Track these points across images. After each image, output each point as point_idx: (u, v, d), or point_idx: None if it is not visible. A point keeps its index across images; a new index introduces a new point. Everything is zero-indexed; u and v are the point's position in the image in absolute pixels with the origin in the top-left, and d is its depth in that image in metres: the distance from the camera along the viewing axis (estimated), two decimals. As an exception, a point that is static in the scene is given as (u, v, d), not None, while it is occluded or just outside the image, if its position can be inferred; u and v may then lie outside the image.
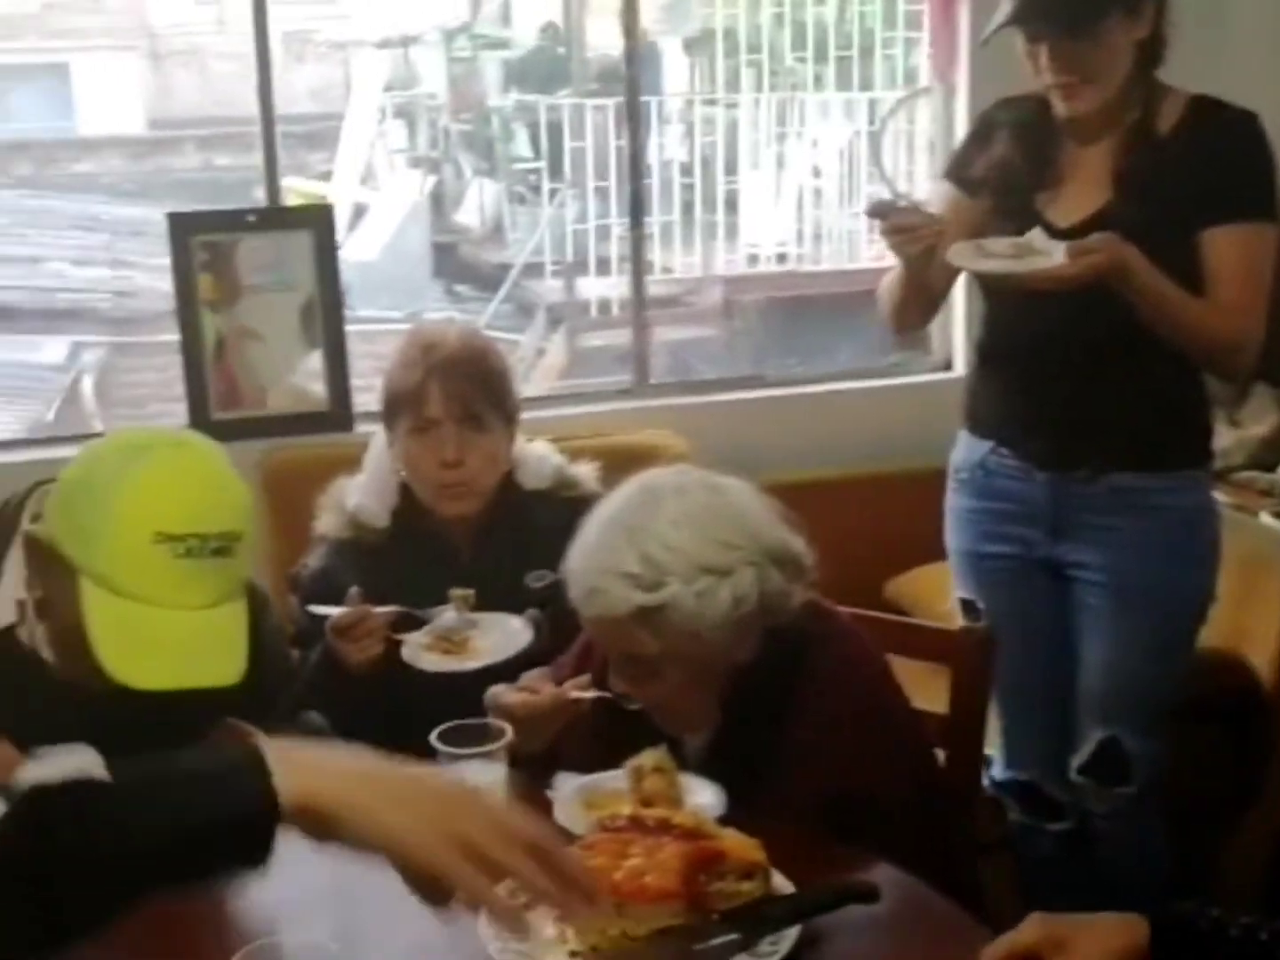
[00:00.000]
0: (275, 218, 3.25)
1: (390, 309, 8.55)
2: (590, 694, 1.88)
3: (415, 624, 2.26)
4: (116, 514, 1.64)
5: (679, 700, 1.86)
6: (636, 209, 3.59)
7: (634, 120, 3.53)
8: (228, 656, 1.67)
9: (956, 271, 2.47)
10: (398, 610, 2.24)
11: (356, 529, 2.41)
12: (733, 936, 1.50)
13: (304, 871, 1.71)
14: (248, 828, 1.14)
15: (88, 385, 7.96)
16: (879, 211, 2.41)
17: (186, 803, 1.15)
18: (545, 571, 2.28)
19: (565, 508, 2.36)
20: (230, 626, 1.70)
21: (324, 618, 2.21)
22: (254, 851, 1.15)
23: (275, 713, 1.98)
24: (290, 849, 1.75)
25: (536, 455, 2.48)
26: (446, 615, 2.24)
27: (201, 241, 3.19)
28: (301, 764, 1.17)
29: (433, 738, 1.74)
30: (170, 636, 1.64)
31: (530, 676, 1.94)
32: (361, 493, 2.44)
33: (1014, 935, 1.35)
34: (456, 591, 2.28)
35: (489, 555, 2.39)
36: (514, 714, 1.87)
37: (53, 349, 8.30)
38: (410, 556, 2.38)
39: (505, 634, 2.22)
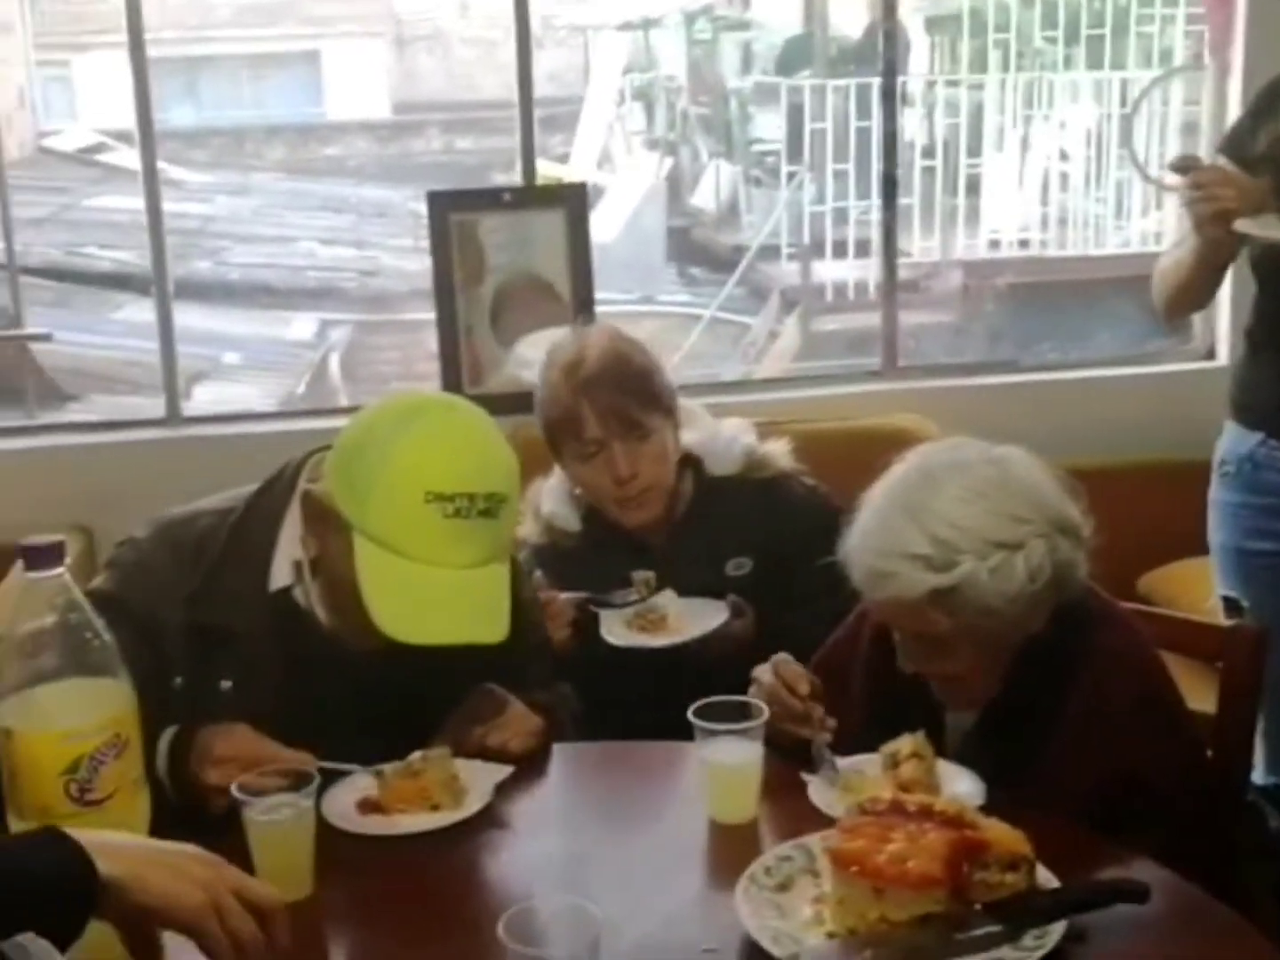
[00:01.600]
0: (530, 196, 3.30)
1: (625, 292, 8.63)
2: (828, 729, 1.85)
3: (604, 609, 2.31)
4: (390, 473, 1.69)
5: (970, 675, 1.83)
6: (889, 190, 3.54)
7: (889, 101, 3.48)
8: (492, 615, 1.71)
9: (1237, 251, 2.37)
10: (586, 595, 2.30)
11: (551, 534, 2.45)
12: (996, 928, 1.46)
13: (560, 838, 1.77)
14: (68, 888, 1.17)
15: (334, 362, 8.23)
16: (1184, 166, 2.32)
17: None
18: (744, 559, 2.28)
19: (757, 491, 2.36)
20: (495, 586, 1.73)
21: None
22: (71, 915, 1.17)
23: (529, 680, 2.02)
24: (545, 814, 1.81)
25: (726, 438, 2.45)
26: (660, 594, 2.30)
27: (454, 221, 3.26)
28: (98, 843, 1.21)
29: (690, 714, 1.75)
30: (438, 593, 1.68)
31: (785, 662, 1.91)
32: (554, 498, 2.46)
33: None
34: (638, 575, 2.33)
35: (682, 549, 2.39)
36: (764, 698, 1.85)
37: (302, 326, 8.60)
38: (605, 558, 2.40)
39: (700, 613, 2.27)
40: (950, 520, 1.76)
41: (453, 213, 3.23)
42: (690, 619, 2.27)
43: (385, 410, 1.78)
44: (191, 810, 1.68)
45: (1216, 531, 2.54)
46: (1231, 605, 2.48)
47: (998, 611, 1.76)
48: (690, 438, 2.44)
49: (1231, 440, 2.49)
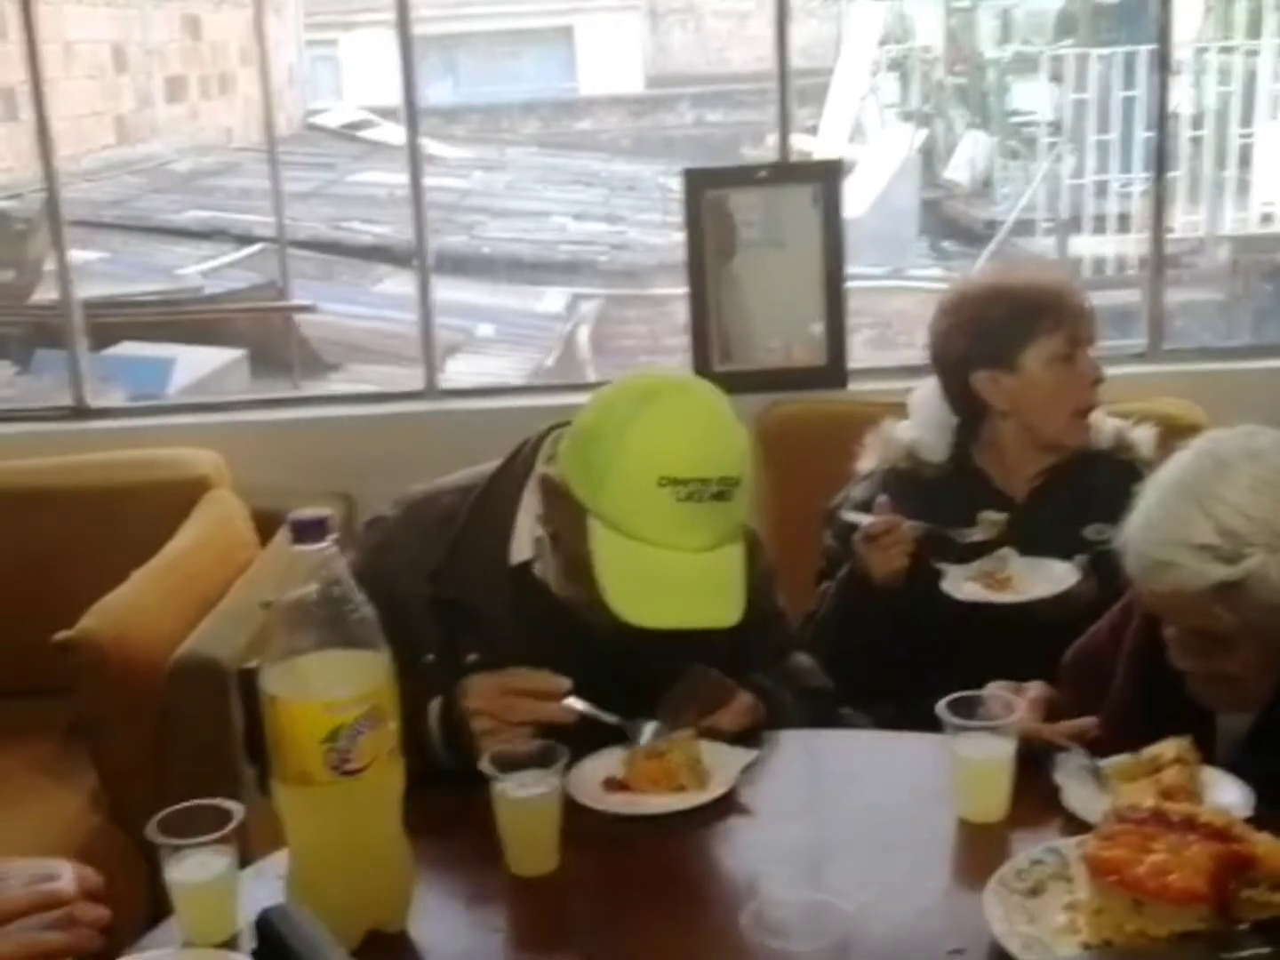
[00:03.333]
0: (785, 173, 3.27)
1: (875, 265, 8.52)
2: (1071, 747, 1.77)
3: (945, 544, 2.30)
4: (624, 458, 1.69)
5: (1245, 676, 1.74)
6: (1161, 163, 3.39)
7: (1163, 69, 3.32)
8: (726, 598, 1.71)
9: None
10: (929, 527, 2.29)
11: (913, 461, 2.46)
12: (1264, 950, 1.39)
13: (805, 827, 1.75)
14: None
15: (583, 335, 8.34)
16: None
17: None
18: (1104, 526, 2.22)
19: (1124, 469, 2.33)
20: (728, 569, 1.73)
21: (853, 531, 2.29)
22: None
23: (756, 653, 2.00)
24: (790, 802, 1.80)
25: (1096, 417, 2.46)
26: (999, 553, 2.28)
27: (709, 198, 3.26)
28: None
29: (939, 708, 1.71)
30: (672, 577, 1.68)
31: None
32: (922, 427, 2.48)
33: None
34: (988, 515, 2.32)
35: (1045, 506, 2.38)
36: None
37: (553, 299, 8.74)
38: (963, 499, 2.38)
39: (1049, 575, 2.24)
40: (1241, 510, 1.67)
41: (708, 189, 3.22)
42: (1037, 578, 2.25)
43: (619, 393, 1.78)
44: (467, 774, 1.71)
45: None
46: None
47: None
48: None
49: None
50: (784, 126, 3.29)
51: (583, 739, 1.77)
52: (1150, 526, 1.73)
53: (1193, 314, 7.63)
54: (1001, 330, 2.38)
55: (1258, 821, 1.53)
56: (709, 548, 1.71)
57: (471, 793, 1.66)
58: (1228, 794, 1.66)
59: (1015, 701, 1.74)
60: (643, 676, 1.85)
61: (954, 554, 2.31)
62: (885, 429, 2.50)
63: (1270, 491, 1.68)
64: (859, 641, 2.24)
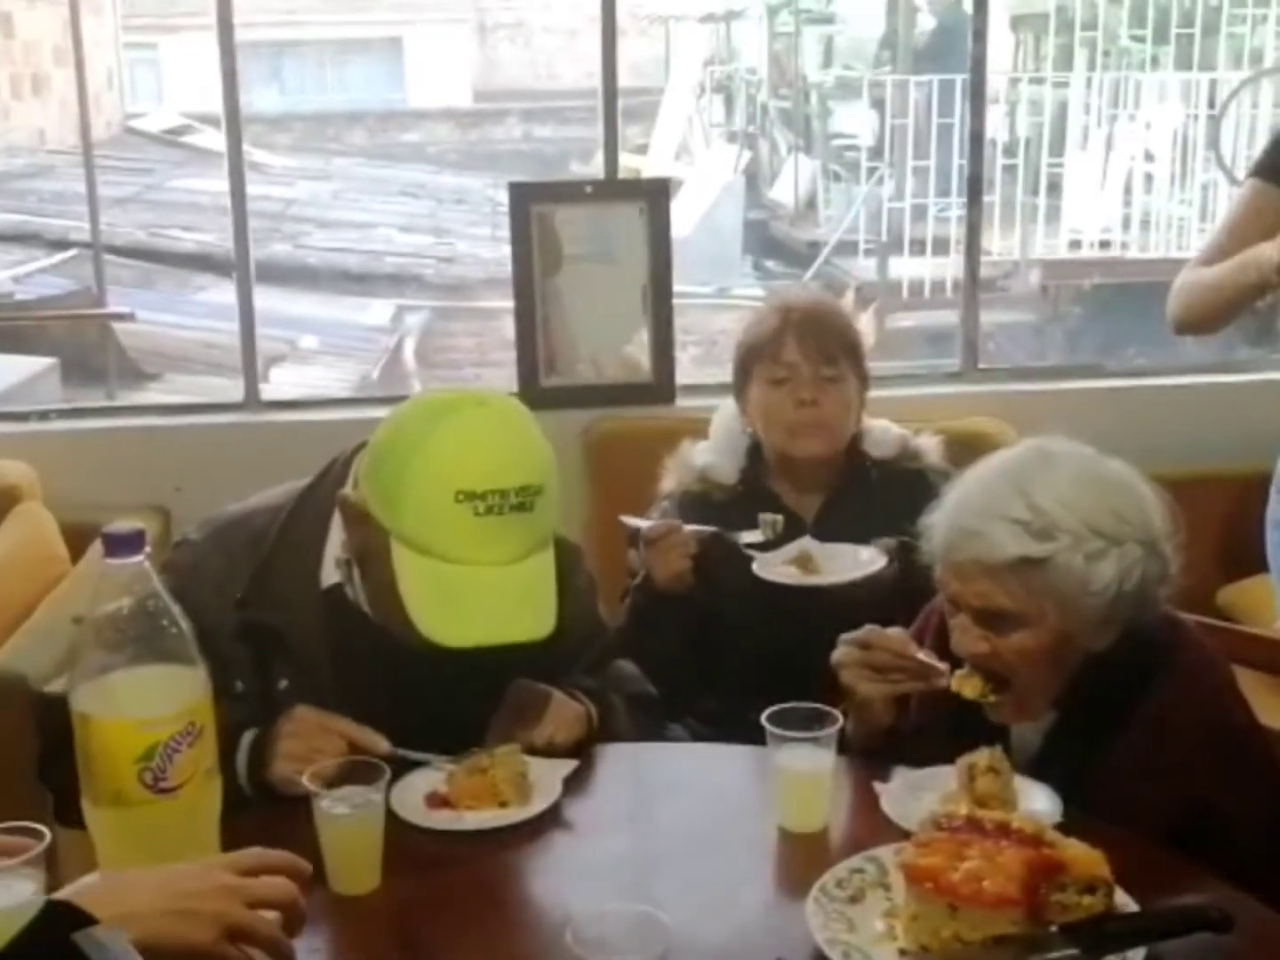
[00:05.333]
0: (613, 190, 3.29)
1: (701, 284, 8.61)
2: (941, 667, 1.81)
3: (725, 545, 2.38)
4: (419, 476, 1.67)
5: (1024, 672, 1.78)
6: (974, 189, 3.49)
7: (977, 98, 3.43)
8: (536, 610, 1.69)
9: None
10: (711, 530, 2.36)
11: (704, 484, 2.51)
12: (1072, 951, 1.42)
13: (627, 841, 1.75)
14: None
15: (409, 348, 8.27)
16: None
17: None
18: (890, 539, 2.29)
19: (909, 478, 2.39)
20: (536, 580, 1.71)
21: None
22: None
23: (581, 664, 2.01)
24: (613, 816, 1.80)
25: (880, 427, 2.54)
26: (798, 542, 2.37)
27: (535, 212, 3.26)
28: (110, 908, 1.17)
29: (763, 719, 1.73)
30: (478, 593, 1.66)
31: (893, 630, 1.88)
32: (711, 452, 2.53)
33: None
34: (765, 516, 2.41)
35: (833, 519, 2.44)
36: (860, 640, 1.83)
37: (379, 311, 8.65)
38: (754, 519, 2.41)
39: (853, 559, 2.33)
40: (1059, 497, 1.73)
41: (534, 204, 3.22)
42: (843, 562, 2.33)
43: (412, 411, 1.76)
44: (267, 804, 1.68)
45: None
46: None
47: (1076, 603, 1.72)
48: None
49: None
50: (611, 143, 3.31)
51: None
52: (963, 501, 1.78)
53: (1006, 335, 7.87)
54: (746, 353, 2.50)
55: (1066, 828, 1.57)
56: (515, 560, 1.69)
57: (290, 810, 1.63)
58: (1038, 801, 1.71)
59: (835, 712, 1.76)
60: (464, 698, 1.83)
61: (736, 557, 2.37)
62: (682, 451, 2.56)
63: (1088, 487, 1.74)
64: (657, 650, 2.26)
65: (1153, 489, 1.80)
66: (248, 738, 1.77)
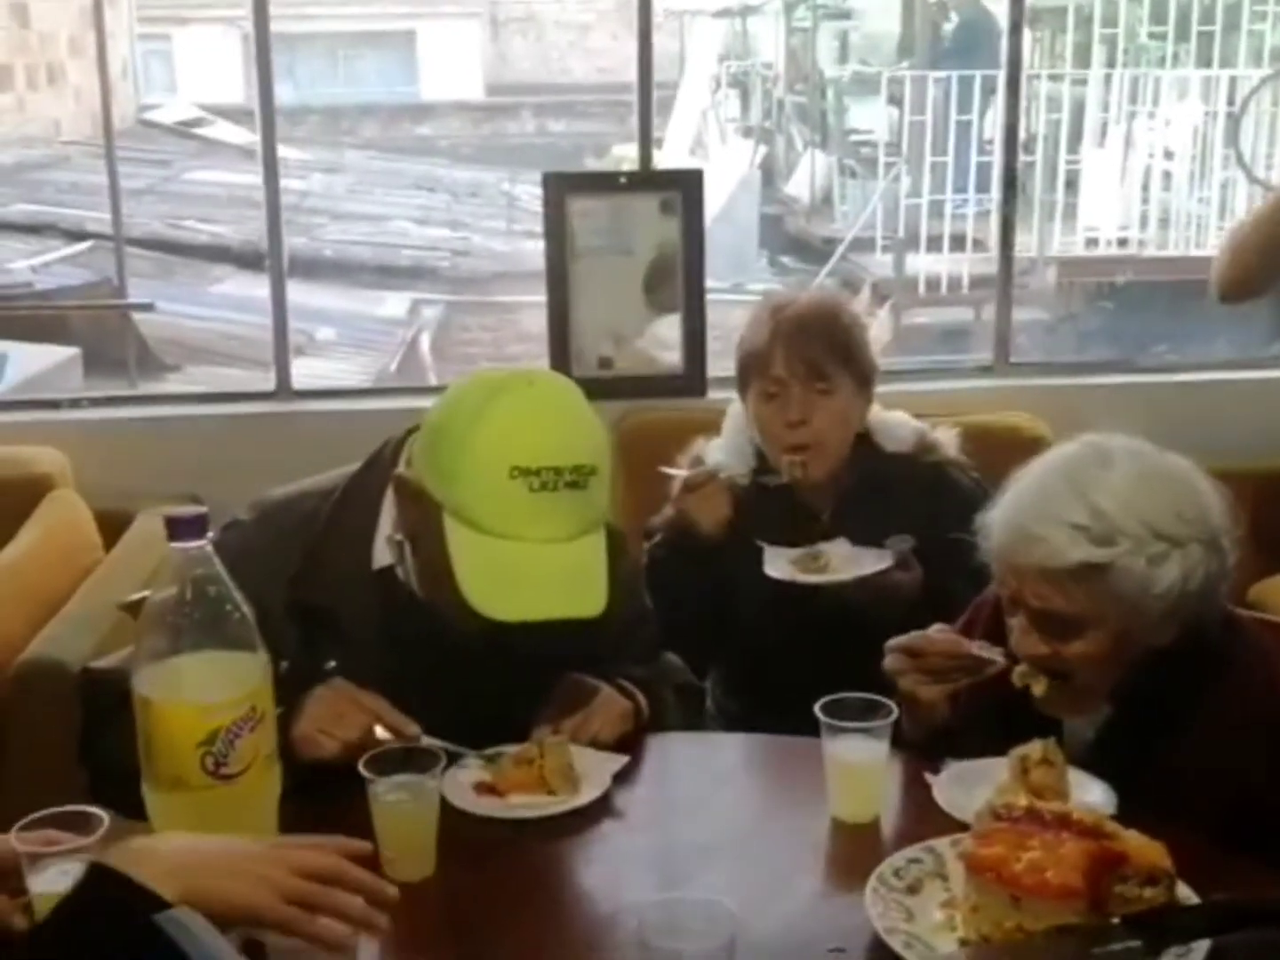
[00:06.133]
0: (646, 180, 3.28)
1: (717, 279, 8.60)
2: (997, 657, 1.80)
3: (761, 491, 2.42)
4: (474, 451, 1.67)
5: (1085, 672, 1.77)
6: (1010, 182, 3.49)
7: (1013, 89, 3.42)
8: (586, 588, 1.69)
9: None
10: (735, 481, 2.41)
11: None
12: (1135, 943, 1.42)
13: (679, 831, 1.75)
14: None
15: (425, 341, 8.26)
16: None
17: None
18: (906, 536, 2.28)
19: (927, 471, 2.38)
20: (587, 559, 1.71)
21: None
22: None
23: (630, 653, 2.01)
24: (664, 806, 1.80)
25: (896, 420, 2.49)
26: (830, 543, 2.37)
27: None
28: (159, 867, 1.17)
29: (817, 709, 1.72)
30: (530, 569, 1.67)
31: (934, 628, 1.88)
32: (722, 451, 2.49)
33: None
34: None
35: (849, 516, 2.41)
36: (910, 648, 1.82)
37: (395, 304, 8.64)
38: (769, 516, 2.40)
39: (860, 560, 2.31)
40: (1118, 498, 1.71)
41: (569, 195, 3.22)
42: (852, 563, 2.31)
43: (469, 388, 1.77)
44: (310, 770, 1.68)
45: None
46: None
47: (1139, 606, 1.71)
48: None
49: None
50: (645, 134, 3.30)
51: None
52: (1024, 502, 1.76)
53: (1026, 332, 7.86)
54: (742, 362, 2.46)
55: (1121, 820, 1.57)
56: (567, 538, 1.69)
57: (347, 798, 1.63)
58: (1093, 793, 1.71)
59: (889, 703, 1.76)
60: (512, 685, 1.83)
61: (768, 503, 2.41)
62: (695, 449, 2.53)
63: (1148, 489, 1.73)
64: (669, 615, 2.22)
65: (1211, 482, 1.78)
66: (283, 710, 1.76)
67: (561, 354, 3.28)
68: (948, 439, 2.49)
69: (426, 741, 1.72)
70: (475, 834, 1.70)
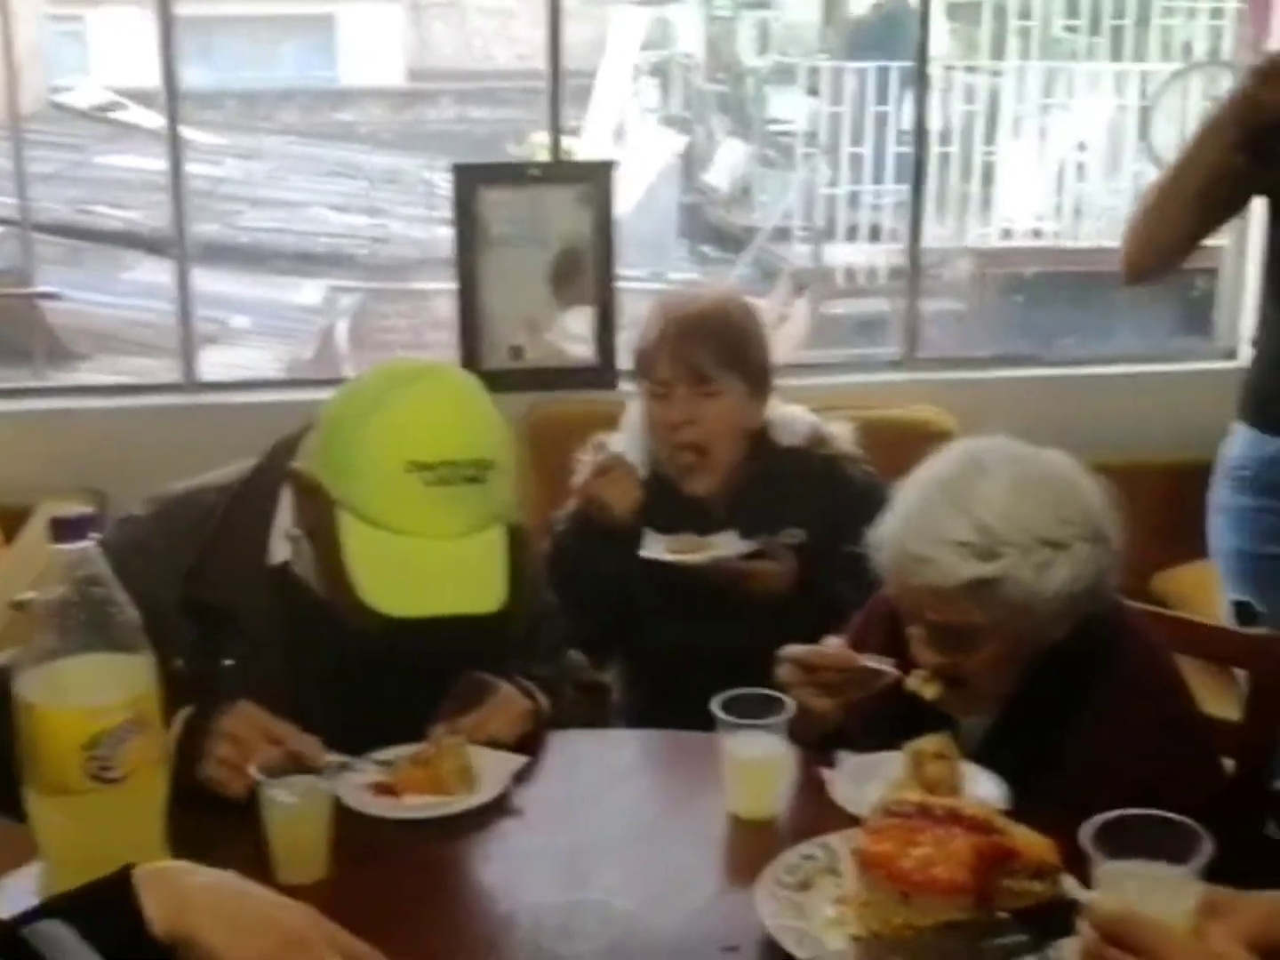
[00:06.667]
0: (557, 172, 3.27)
1: (636, 268, 8.58)
2: (888, 668, 1.82)
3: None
4: (370, 445, 1.66)
5: (982, 676, 1.79)
6: (918, 175, 3.51)
7: (921, 83, 3.44)
8: (483, 585, 1.68)
9: (1230, 191, 2.36)
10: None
11: None
12: (1022, 938, 1.45)
13: (577, 829, 1.75)
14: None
15: (342, 329, 8.19)
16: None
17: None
18: (796, 530, 2.30)
19: (820, 465, 2.38)
20: (485, 555, 1.70)
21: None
22: None
23: (535, 652, 2.00)
24: (562, 805, 1.79)
25: (792, 415, 2.50)
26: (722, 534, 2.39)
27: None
28: (168, 894, 1.14)
29: (714, 706, 1.73)
30: (426, 565, 1.65)
31: (828, 642, 1.90)
32: (624, 445, 2.49)
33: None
34: None
35: (741, 513, 2.41)
36: (804, 661, 1.83)
37: (312, 292, 8.55)
38: (667, 510, 2.40)
39: (731, 544, 2.35)
40: (999, 510, 1.73)
41: (479, 185, 3.20)
42: (719, 548, 2.34)
43: (365, 382, 1.76)
44: (194, 790, 1.65)
45: (1228, 535, 2.52)
46: (1244, 610, 2.46)
47: (1032, 611, 1.73)
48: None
49: (1248, 445, 2.47)
50: (555, 126, 3.29)
51: None
52: (909, 523, 1.77)
53: (941, 323, 7.92)
54: (635, 361, 2.47)
55: (1012, 814, 1.59)
56: (464, 534, 1.68)
57: (237, 802, 1.61)
58: (984, 787, 1.73)
59: (786, 699, 1.77)
60: (412, 682, 1.81)
61: (665, 498, 2.43)
62: (595, 443, 2.53)
63: (1026, 496, 1.74)
64: (586, 602, 2.25)
65: (1090, 477, 1.80)
66: (183, 715, 1.73)
67: (471, 345, 3.26)
68: (842, 433, 2.50)
69: (325, 760, 1.69)
70: (370, 835, 1.68)
